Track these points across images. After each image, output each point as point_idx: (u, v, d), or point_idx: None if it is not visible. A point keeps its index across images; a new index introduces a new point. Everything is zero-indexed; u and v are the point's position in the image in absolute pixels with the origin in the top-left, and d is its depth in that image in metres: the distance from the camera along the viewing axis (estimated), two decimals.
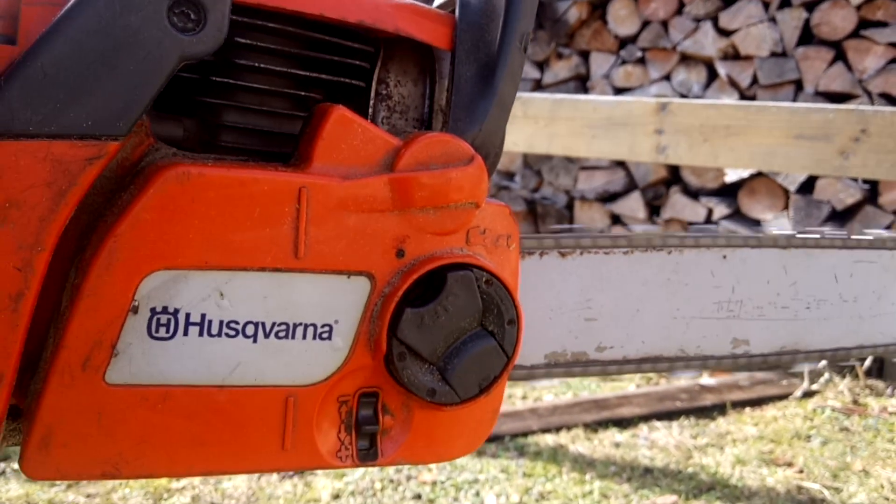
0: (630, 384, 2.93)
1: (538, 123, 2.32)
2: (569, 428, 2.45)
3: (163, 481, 2.04)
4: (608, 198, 3.41)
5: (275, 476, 2.10)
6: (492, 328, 0.70)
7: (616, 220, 3.41)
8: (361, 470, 2.14)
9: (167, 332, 0.60)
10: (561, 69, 3.45)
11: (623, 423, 2.51)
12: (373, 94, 0.74)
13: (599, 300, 0.91)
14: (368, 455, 0.69)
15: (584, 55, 3.43)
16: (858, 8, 2.87)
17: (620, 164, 3.33)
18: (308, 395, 0.65)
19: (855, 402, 2.72)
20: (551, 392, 2.86)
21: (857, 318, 1.07)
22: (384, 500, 2.00)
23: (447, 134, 0.69)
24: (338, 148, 0.65)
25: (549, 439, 2.39)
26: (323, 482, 2.07)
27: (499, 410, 0.77)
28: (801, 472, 2.21)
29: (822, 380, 2.86)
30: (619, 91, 3.32)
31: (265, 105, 0.68)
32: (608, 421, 2.51)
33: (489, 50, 0.73)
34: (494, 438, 2.37)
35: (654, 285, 0.94)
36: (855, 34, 2.89)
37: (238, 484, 2.04)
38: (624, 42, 3.33)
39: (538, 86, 3.50)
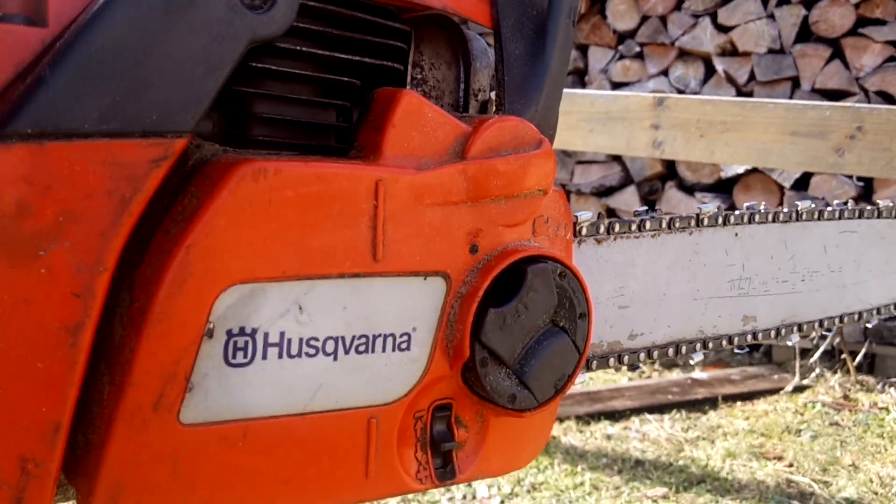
0: (623, 377, 2.94)
1: None
2: (561, 420, 2.47)
3: None
4: (604, 192, 3.42)
5: None
6: (563, 323, 0.66)
7: (611, 213, 3.42)
8: None
9: (245, 356, 0.53)
10: None
11: (615, 416, 2.53)
12: (408, 78, 0.70)
13: (631, 286, 0.90)
14: (446, 474, 0.64)
15: (583, 49, 3.43)
16: (857, 6, 2.87)
17: (616, 159, 3.34)
18: (389, 414, 0.60)
19: (845, 397, 2.74)
20: None
21: (842, 286, 1.11)
22: None
23: (514, 117, 0.65)
24: (409, 136, 0.59)
25: None
26: None
27: (558, 409, 0.73)
28: (790, 465, 2.23)
29: (813, 375, 2.89)
30: (616, 86, 3.32)
31: (299, 93, 0.61)
32: (600, 413, 2.53)
33: (536, 25, 0.69)
34: None
35: (678, 267, 0.94)
36: (853, 32, 2.90)
37: None
38: (622, 37, 3.33)
39: None
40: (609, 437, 2.38)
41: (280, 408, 0.55)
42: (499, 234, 0.63)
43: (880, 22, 2.87)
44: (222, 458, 0.53)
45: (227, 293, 0.52)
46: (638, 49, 3.28)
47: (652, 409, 2.59)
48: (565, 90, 2.47)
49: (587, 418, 2.50)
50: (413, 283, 0.59)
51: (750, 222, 1.00)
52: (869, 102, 2.85)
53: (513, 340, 0.63)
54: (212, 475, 0.53)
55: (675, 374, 2.96)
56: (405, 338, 0.59)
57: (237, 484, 0.54)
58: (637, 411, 2.56)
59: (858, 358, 2.89)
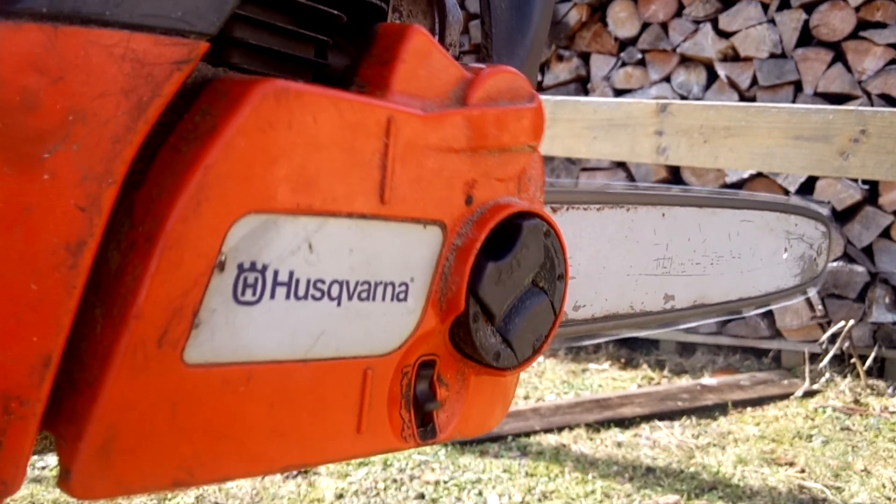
0: (632, 384, 2.94)
1: None
2: (571, 428, 2.46)
3: None
4: None
5: (278, 475, 2.10)
6: (542, 283, 0.66)
7: None
8: (364, 469, 2.15)
9: (254, 294, 0.49)
10: (561, 71, 3.46)
11: (625, 423, 2.52)
12: (388, 22, 0.67)
13: (578, 258, 0.92)
14: (427, 433, 0.63)
15: (585, 57, 3.44)
16: (857, 9, 2.88)
17: (621, 165, 3.35)
18: (383, 366, 0.58)
19: (856, 401, 2.73)
20: (553, 392, 2.87)
21: (739, 272, 1.16)
22: (388, 500, 2.00)
23: (510, 68, 0.64)
24: (416, 74, 0.57)
25: (551, 439, 2.40)
26: (326, 482, 2.07)
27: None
28: (802, 471, 2.21)
29: (823, 379, 2.87)
30: (619, 93, 3.33)
31: (281, 21, 0.56)
32: (610, 421, 2.52)
33: None
34: (497, 438, 2.37)
35: (616, 242, 0.96)
36: (854, 35, 2.91)
37: (242, 483, 2.05)
38: (624, 44, 3.35)
39: (539, 87, 3.52)
40: (619, 445, 2.37)
41: (283, 352, 0.52)
42: (492, 186, 0.62)
43: (881, 25, 2.87)
44: (222, 404, 0.49)
45: (241, 222, 0.47)
46: (640, 56, 3.30)
47: (662, 416, 2.58)
48: (569, 97, 2.48)
49: (597, 426, 2.49)
50: (414, 230, 0.57)
51: (674, 204, 1.04)
52: (872, 106, 2.85)
53: (503, 297, 0.62)
54: (209, 422, 0.48)
55: (685, 381, 2.95)
56: (403, 287, 0.58)
57: (234, 433, 0.50)
58: (647, 418, 2.55)
59: (868, 362, 2.87)
